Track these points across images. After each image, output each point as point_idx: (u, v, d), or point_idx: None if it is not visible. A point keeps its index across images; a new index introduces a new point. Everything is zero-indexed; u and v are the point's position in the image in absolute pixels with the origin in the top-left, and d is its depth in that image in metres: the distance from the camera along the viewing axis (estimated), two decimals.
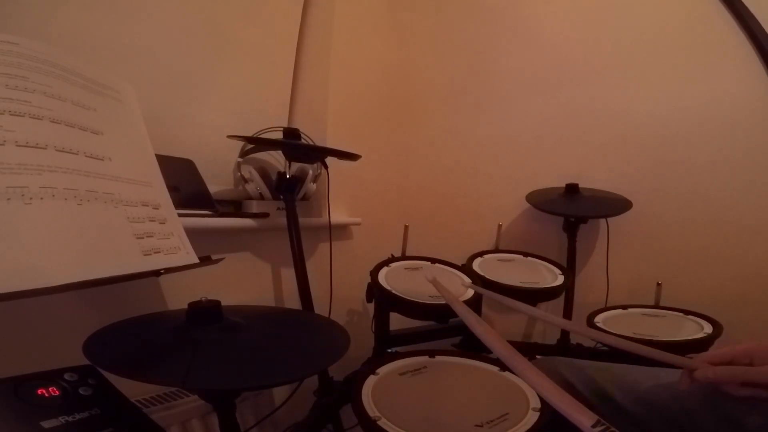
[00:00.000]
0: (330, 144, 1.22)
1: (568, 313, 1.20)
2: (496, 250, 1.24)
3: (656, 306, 1.06)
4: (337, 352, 0.57)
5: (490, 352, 0.92)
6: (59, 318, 0.67)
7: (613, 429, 0.30)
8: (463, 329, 1.08)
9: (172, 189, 0.71)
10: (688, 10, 1.19)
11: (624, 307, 1.07)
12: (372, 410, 0.58)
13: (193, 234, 0.68)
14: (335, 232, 1.23)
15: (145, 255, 0.58)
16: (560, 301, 1.18)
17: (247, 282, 1.07)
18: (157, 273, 0.61)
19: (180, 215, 0.68)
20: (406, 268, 1.05)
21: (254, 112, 1.16)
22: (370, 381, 0.65)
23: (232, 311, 0.61)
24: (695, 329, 0.93)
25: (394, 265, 1.04)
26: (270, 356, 0.55)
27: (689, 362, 0.54)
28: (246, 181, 1.07)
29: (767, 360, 0.48)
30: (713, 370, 0.50)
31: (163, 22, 0.94)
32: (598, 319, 1.00)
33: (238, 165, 1.10)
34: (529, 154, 1.39)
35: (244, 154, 1.12)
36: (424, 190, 1.53)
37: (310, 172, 1.11)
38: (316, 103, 1.29)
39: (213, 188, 1.01)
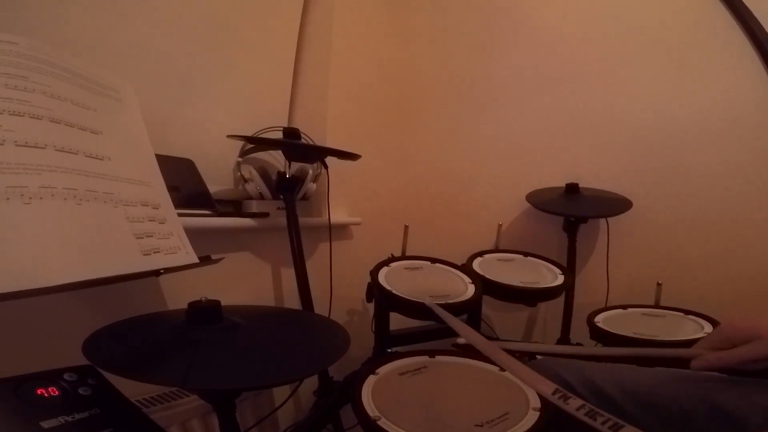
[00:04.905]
0: (330, 144, 1.21)
1: (568, 313, 1.20)
2: (496, 250, 1.24)
3: (656, 306, 1.06)
4: (337, 352, 0.57)
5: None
6: (59, 318, 0.67)
7: (569, 394, 0.31)
8: None
9: (172, 189, 0.71)
10: (689, 10, 1.19)
11: (624, 307, 1.07)
12: (372, 410, 0.57)
13: (192, 234, 0.68)
14: (335, 231, 1.23)
15: (144, 255, 0.58)
16: (560, 301, 1.18)
17: (247, 282, 1.07)
18: (156, 273, 0.61)
19: (180, 215, 0.68)
20: (406, 268, 1.05)
21: (254, 112, 1.16)
22: (370, 381, 0.65)
23: (232, 311, 0.61)
24: (695, 329, 0.93)
25: (394, 265, 1.04)
26: (270, 356, 0.55)
27: (687, 352, 0.57)
28: (246, 180, 1.07)
29: (743, 339, 0.53)
30: (707, 360, 0.55)
31: (164, 22, 0.93)
32: (598, 319, 1.00)
33: (238, 165, 1.10)
34: (529, 154, 1.39)
35: (244, 153, 1.12)
36: (424, 190, 1.53)
37: (310, 171, 1.11)
38: (316, 103, 1.29)
39: (213, 188, 1.01)
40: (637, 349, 0.58)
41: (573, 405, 0.33)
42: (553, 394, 0.34)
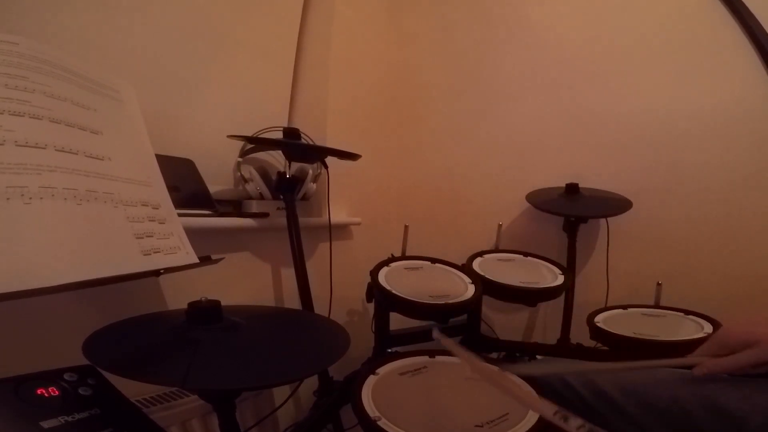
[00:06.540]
0: (330, 144, 1.21)
1: (568, 313, 1.20)
2: (496, 250, 1.24)
3: (656, 306, 1.06)
4: (337, 352, 0.57)
5: (489, 351, 0.91)
6: (59, 318, 0.67)
7: (569, 414, 0.33)
8: (463, 329, 1.08)
9: (172, 189, 0.71)
10: (688, 11, 1.19)
11: (624, 307, 1.07)
12: (372, 410, 0.58)
13: (193, 234, 0.68)
14: (335, 231, 1.23)
15: (144, 255, 0.58)
16: (560, 301, 1.18)
17: (247, 282, 1.07)
18: (156, 273, 0.61)
19: (180, 215, 0.68)
20: (406, 268, 1.05)
21: (254, 112, 1.16)
22: (370, 381, 0.65)
23: (232, 311, 0.61)
24: (695, 329, 0.93)
25: (394, 265, 1.04)
26: (270, 356, 0.55)
27: (686, 361, 0.59)
28: (246, 180, 1.07)
29: (741, 345, 0.55)
30: (707, 367, 0.57)
31: (163, 22, 0.94)
32: (598, 319, 1.00)
33: (238, 165, 1.10)
34: (529, 154, 1.39)
35: (244, 153, 1.12)
36: (424, 190, 1.53)
37: (310, 171, 1.11)
38: (316, 103, 1.29)
39: (213, 188, 1.01)
40: (637, 362, 0.61)
41: (573, 424, 0.34)
42: (555, 414, 0.36)
